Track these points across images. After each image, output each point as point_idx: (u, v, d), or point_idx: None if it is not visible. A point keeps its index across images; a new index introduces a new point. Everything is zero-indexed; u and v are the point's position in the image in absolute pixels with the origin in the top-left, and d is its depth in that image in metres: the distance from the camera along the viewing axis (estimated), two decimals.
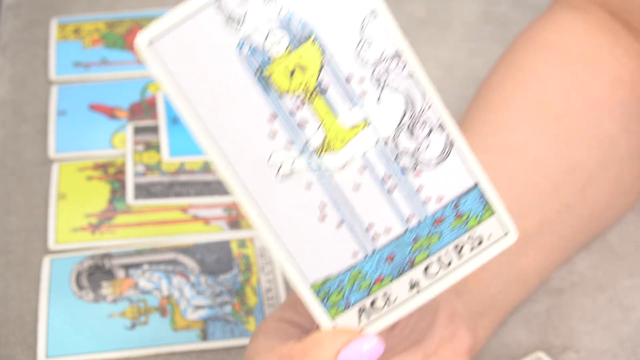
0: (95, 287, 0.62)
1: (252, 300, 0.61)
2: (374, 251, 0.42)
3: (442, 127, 0.42)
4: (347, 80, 0.40)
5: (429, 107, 0.41)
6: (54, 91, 0.76)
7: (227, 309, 0.61)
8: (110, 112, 0.74)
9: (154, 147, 0.70)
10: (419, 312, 0.49)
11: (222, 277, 0.62)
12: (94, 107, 0.74)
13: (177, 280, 0.62)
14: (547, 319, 0.60)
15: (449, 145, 0.42)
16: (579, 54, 0.61)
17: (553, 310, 0.60)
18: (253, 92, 0.40)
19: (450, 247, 0.43)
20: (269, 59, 0.40)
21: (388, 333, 0.47)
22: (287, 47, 0.40)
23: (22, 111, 0.75)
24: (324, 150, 0.41)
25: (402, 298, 0.43)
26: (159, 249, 0.64)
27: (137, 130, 0.72)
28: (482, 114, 0.61)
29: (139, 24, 0.81)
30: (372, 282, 0.43)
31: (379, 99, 0.41)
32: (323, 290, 0.42)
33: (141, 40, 0.39)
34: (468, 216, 0.43)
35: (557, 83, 0.60)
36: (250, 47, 0.39)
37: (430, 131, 0.42)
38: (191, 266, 0.63)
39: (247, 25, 0.39)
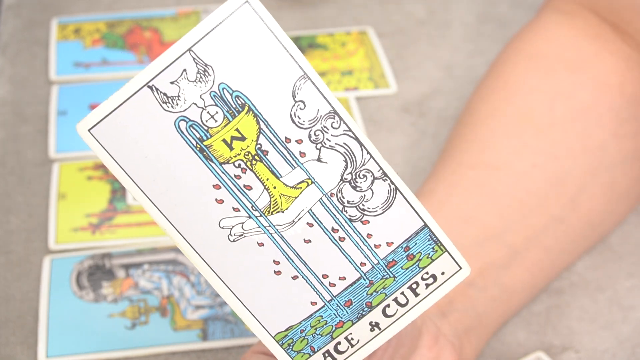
0: (96, 287, 0.62)
1: None
2: (331, 299, 0.44)
3: (384, 176, 0.43)
4: (286, 143, 0.42)
5: (369, 159, 0.43)
6: (54, 91, 0.76)
7: (227, 308, 0.61)
8: None
9: None
10: (398, 338, 0.49)
11: None
12: (95, 107, 0.74)
13: (177, 280, 0.62)
14: (547, 319, 0.60)
15: (393, 192, 0.43)
16: (564, 62, 0.61)
17: (553, 310, 0.60)
18: (195, 165, 0.41)
19: (405, 287, 0.44)
20: (207, 131, 0.41)
21: None
22: (223, 119, 0.41)
23: (22, 111, 0.75)
24: (271, 210, 0.43)
25: (365, 339, 0.45)
26: (159, 249, 0.64)
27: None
28: (469, 130, 0.61)
29: (139, 24, 0.81)
30: (333, 327, 0.44)
31: (318, 157, 0.42)
32: (287, 340, 0.44)
33: (80, 127, 0.41)
34: (420, 257, 0.44)
35: (541, 95, 0.60)
36: (187, 123, 0.41)
37: (373, 181, 0.43)
38: (191, 266, 0.63)
39: (182, 103, 0.41)
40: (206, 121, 0.41)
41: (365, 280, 0.44)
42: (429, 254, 0.44)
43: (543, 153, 0.59)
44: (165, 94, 0.41)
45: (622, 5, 0.60)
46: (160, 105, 0.41)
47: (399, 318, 0.45)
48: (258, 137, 0.42)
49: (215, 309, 0.61)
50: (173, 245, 0.64)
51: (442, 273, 0.44)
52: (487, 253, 0.56)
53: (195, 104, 0.41)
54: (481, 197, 0.58)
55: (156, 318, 0.60)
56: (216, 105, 0.41)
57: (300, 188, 0.43)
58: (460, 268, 0.45)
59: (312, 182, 0.43)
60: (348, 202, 0.43)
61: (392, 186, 0.43)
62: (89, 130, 0.41)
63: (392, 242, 0.44)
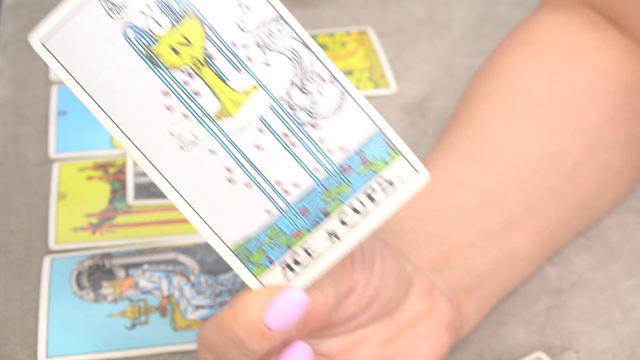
0: (96, 287, 0.62)
1: None
2: (286, 207, 0.44)
3: (333, 80, 0.43)
4: (232, 47, 0.42)
5: (318, 62, 0.43)
6: (55, 91, 0.76)
7: None
8: None
9: None
10: (383, 283, 0.49)
11: (222, 277, 0.63)
12: None
13: (177, 280, 0.62)
14: (547, 319, 0.60)
15: (343, 95, 0.43)
16: (561, 47, 0.62)
17: (553, 310, 0.60)
18: (144, 72, 0.42)
19: (361, 193, 0.44)
20: (154, 38, 0.42)
21: (344, 300, 0.48)
22: (169, 25, 0.42)
23: (22, 111, 0.75)
24: (220, 116, 0.43)
25: (323, 249, 0.44)
26: (159, 249, 0.64)
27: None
28: (465, 109, 0.62)
29: None
30: (290, 237, 0.44)
31: (265, 61, 0.43)
32: (244, 251, 0.44)
33: (34, 39, 0.42)
34: (374, 161, 0.44)
35: (538, 75, 0.61)
36: (134, 31, 0.42)
37: (322, 84, 0.43)
38: (191, 266, 0.63)
39: (129, 11, 0.42)
40: (152, 28, 0.42)
41: (319, 186, 0.44)
42: (383, 158, 0.44)
43: (540, 127, 0.59)
44: (111, 2, 0.42)
45: (616, 2, 0.61)
46: (108, 13, 0.42)
47: (357, 226, 0.44)
48: (204, 42, 0.42)
49: (215, 309, 0.61)
50: (173, 245, 0.64)
51: (399, 178, 0.44)
52: (486, 217, 0.57)
53: (141, 11, 0.42)
54: (480, 166, 0.58)
55: (156, 318, 0.60)
56: (161, 11, 0.42)
57: (249, 93, 0.43)
58: (418, 172, 0.44)
59: (260, 86, 0.43)
60: (297, 106, 0.43)
61: (342, 90, 0.43)
62: (40, 41, 0.42)
63: (345, 147, 0.44)
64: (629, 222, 0.66)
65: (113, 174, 0.69)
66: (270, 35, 0.43)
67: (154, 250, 0.64)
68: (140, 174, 0.68)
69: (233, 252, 0.44)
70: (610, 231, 0.65)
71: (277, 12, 0.42)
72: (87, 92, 0.42)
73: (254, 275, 0.44)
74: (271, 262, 0.44)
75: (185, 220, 0.66)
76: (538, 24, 0.64)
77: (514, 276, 0.58)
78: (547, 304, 0.61)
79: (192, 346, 0.59)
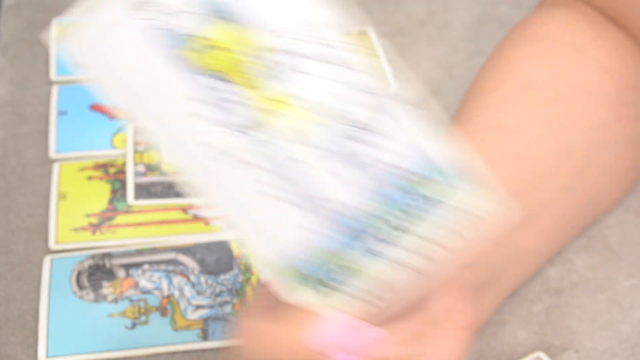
0: (96, 286, 0.62)
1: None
2: (323, 222, 0.40)
3: (370, 93, 0.39)
4: (264, 52, 0.39)
5: (361, 71, 0.39)
6: (55, 91, 0.76)
7: (228, 308, 0.61)
8: (110, 112, 0.74)
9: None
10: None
11: (222, 276, 0.63)
12: (95, 108, 0.74)
13: (177, 280, 0.62)
14: (547, 319, 0.60)
15: (383, 110, 0.39)
16: (566, 44, 0.62)
17: (553, 310, 0.60)
18: (170, 75, 0.39)
19: (413, 217, 0.40)
20: (180, 39, 0.39)
21: None
22: (197, 26, 0.39)
23: (22, 111, 0.75)
24: (251, 124, 0.40)
25: (359, 268, 0.40)
26: (159, 249, 0.64)
27: (138, 131, 0.72)
28: (476, 99, 0.61)
29: None
30: (330, 254, 0.40)
31: (301, 68, 0.39)
32: (282, 267, 0.40)
33: (65, 41, 0.40)
34: (426, 183, 0.39)
35: (546, 71, 0.61)
36: (159, 31, 0.39)
37: (363, 96, 0.39)
38: (191, 266, 0.63)
39: (155, 10, 0.39)
40: (179, 29, 0.39)
41: (356, 202, 0.40)
42: (449, 183, 0.39)
43: (551, 123, 0.59)
44: (137, 2, 0.39)
45: (616, 1, 0.62)
46: (135, 11, 0.39)
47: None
48: (237, 46, 0.39)
49: (216, 309, 0.61)
50: (173, 245, 0.64)
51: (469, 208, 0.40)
52: None
53: (169, 11, 0.39)
54: (499, 157, 0.57)
55: (156, 318, 0.60)
56: (189, 11, 0.39)
57: (282, 100, 0.39)
58: (497, 206, 0.40)
59: (296, 96, 0.39)
60: (343, 118, 0.39)
61: (381, 105, 0.39)
62: (68, 41, 0.39)
63: (400, 167, 0.39)
64: (629, 222, 0.66)
65: (113, 174, 0.69)
66: (306, 40, 0.39)
67: (154, 250, 0.64)
68: (141, 174, 0.68)
69: (273, 268, 0.40)
70: (610, 231, 0.65)
71: (315, 16, 0.39)
72: (115, 93, 0.40)
73: (289, 290, 0.40)
74: (309, 278, 0.40)
75: (185, 220, 0.66)
76: (539, 19, 0.65)
77: (524, 273, 0.58)
78: (547, 304, 0.61)
79: (192, 346, 0.59)
